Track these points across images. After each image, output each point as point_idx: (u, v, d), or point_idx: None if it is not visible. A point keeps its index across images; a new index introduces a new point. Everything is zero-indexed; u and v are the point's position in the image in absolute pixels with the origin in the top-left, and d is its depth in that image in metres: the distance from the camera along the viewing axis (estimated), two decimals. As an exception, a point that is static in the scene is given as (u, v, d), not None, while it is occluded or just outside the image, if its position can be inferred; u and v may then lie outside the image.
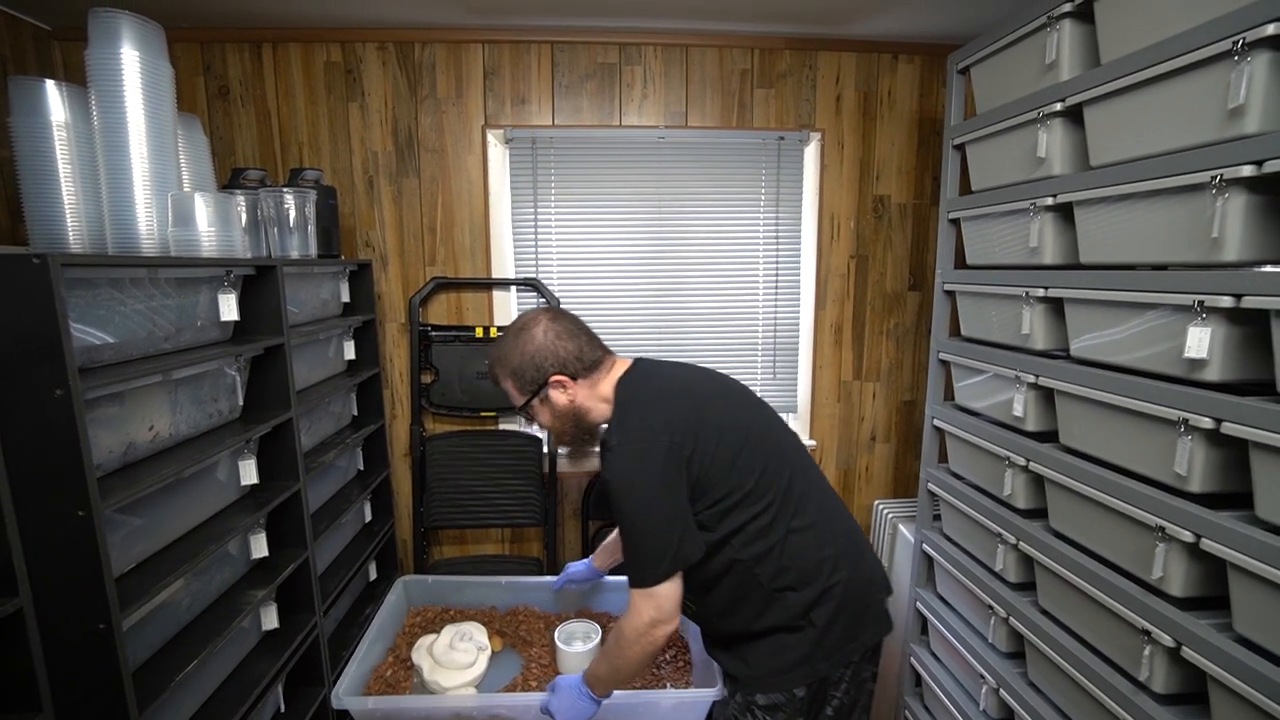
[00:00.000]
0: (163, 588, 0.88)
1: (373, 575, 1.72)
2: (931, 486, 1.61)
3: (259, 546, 1.16)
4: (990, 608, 1.33)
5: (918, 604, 1.65)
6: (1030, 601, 1.23)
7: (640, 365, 1.07)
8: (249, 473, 1.14)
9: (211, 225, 1.06)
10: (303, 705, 1.28)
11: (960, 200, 1.48)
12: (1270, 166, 0.78)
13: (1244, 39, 0.79)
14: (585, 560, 1.46)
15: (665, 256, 1.91)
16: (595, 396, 1.04)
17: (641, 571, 0.93)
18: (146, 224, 1.02)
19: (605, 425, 1.02)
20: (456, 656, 1.26)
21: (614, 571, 1.48)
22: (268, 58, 1.73)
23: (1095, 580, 1.04)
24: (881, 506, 1.97)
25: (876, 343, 1.99)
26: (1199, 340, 0.87)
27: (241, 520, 1.09)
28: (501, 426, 1.93)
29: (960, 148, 1.48)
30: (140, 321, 0.93)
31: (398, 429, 1.91)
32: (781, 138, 1.86)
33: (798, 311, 1.97)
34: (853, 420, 2.02)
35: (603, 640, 1.35)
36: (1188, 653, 0.87)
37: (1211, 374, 0.87)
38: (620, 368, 1.06)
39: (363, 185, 1.80)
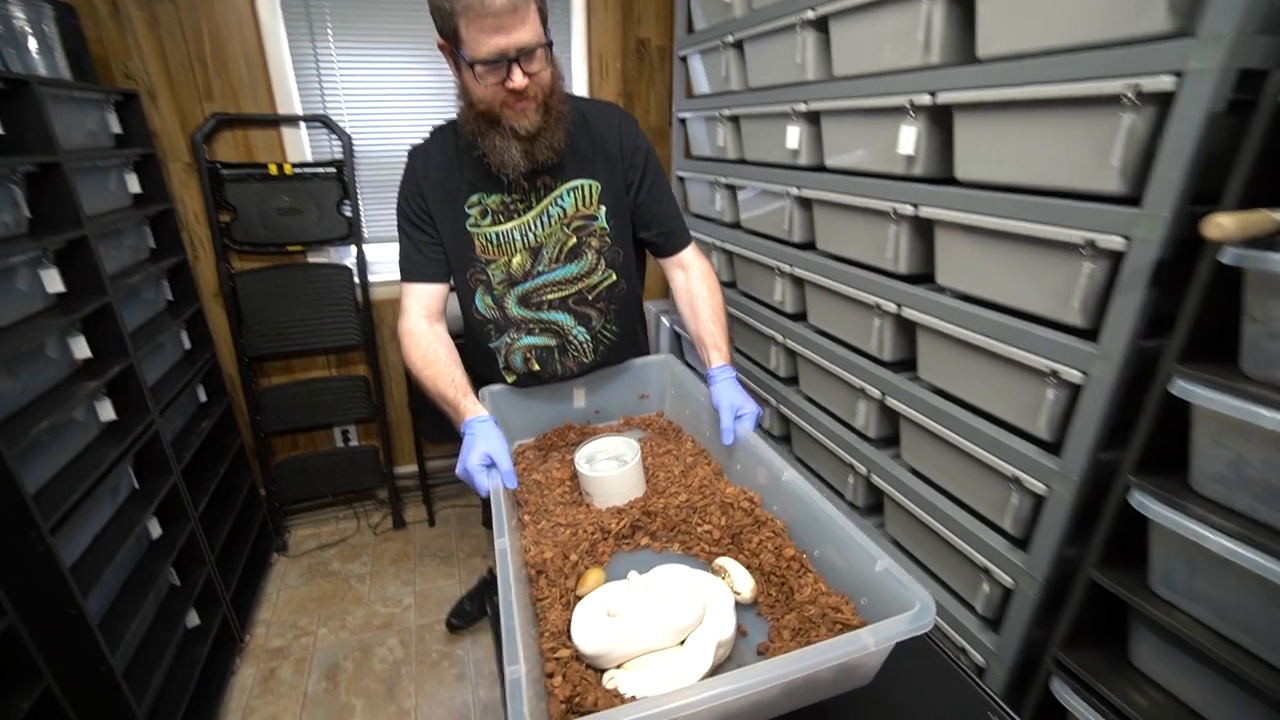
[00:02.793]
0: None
1: (203, 398, 1.89)
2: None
3: (80, 348, 1.31)
4: (766, 400, 1.78)
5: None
6: (796, 390, 1.60)
7: None
8: (53, 281, 1.26)
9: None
10: (152, 488, 1.50)
11: (687, 39, 1.83)
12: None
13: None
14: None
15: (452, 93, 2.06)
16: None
17: (685, 225, 1.19)
18: None
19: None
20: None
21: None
22: None
23: (836, 359, 1.38)
24: (651, 308, 2.47)
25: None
26: (908, 137, 1.09)
27: (55, 322, 1.23)
28: (310, 260, 2.08)
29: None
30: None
31: (203, 270, 1.98)
32: (551, -22, 2.04)
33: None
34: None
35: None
36: (876, 480, 1.31)
37: (917, 169, 1.11)
38: None
39: (105, 9, 1.70)
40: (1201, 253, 0.73)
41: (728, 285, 1.88)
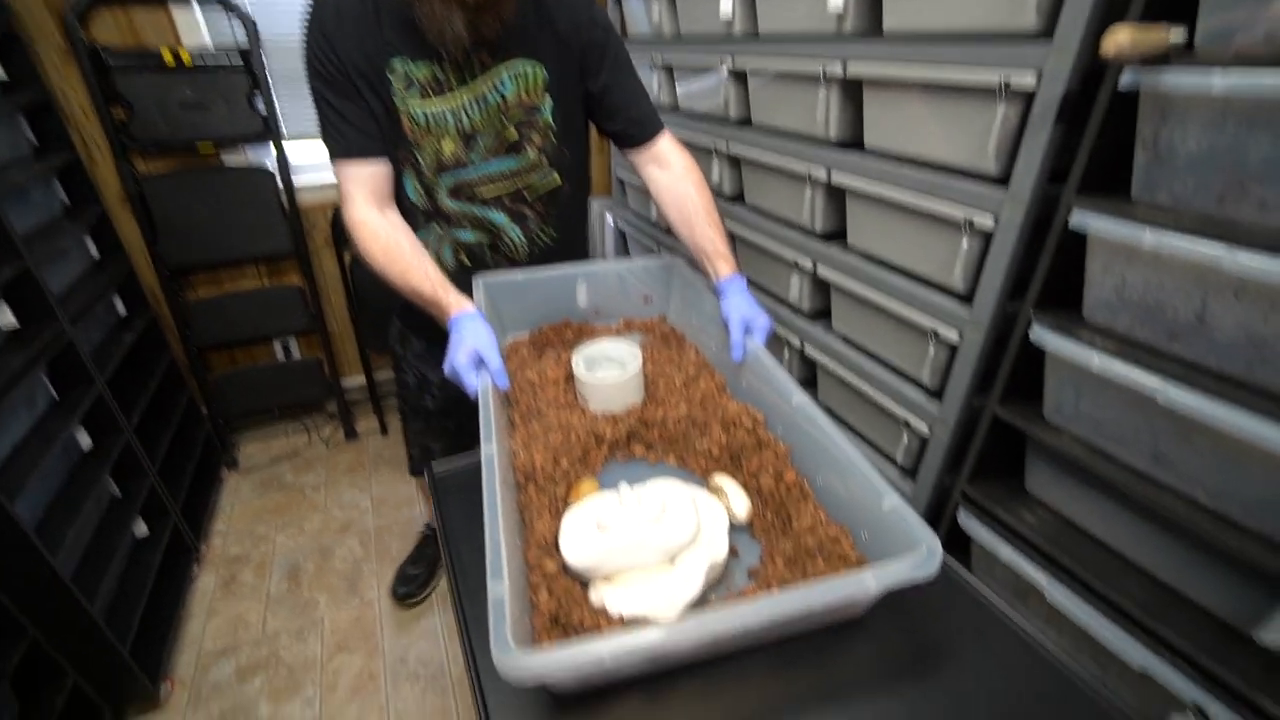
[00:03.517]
0: None
1: (122, 311, 1.79)
2: (620, 173, 2.05)
3: (-36, 247, 1.21)
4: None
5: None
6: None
7: None
8: (-82, 172, 1.14)
9: None
10: (74, 400, 1.44)
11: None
12: None
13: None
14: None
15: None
16: None
17: (655, 110, 1.06)
18: None
19: None
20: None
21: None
22: None
23: (772, 235, 1.39)
24: (594, 205, 2.42)
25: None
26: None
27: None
28: (226, 161, 1.93)
29: None
30: None
31: (102, 173, 1.82)
32: None
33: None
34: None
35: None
36: (810, 351, 1.34)
37: (847, 26, 1.09)
38: None
39: None
40: (1103, 81, 0.74)
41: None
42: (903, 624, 0.67)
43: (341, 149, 0.94)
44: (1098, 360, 0.77)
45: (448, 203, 1.02)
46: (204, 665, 1.52)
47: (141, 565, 1.54)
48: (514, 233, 1.06)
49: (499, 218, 1.04)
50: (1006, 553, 0.96)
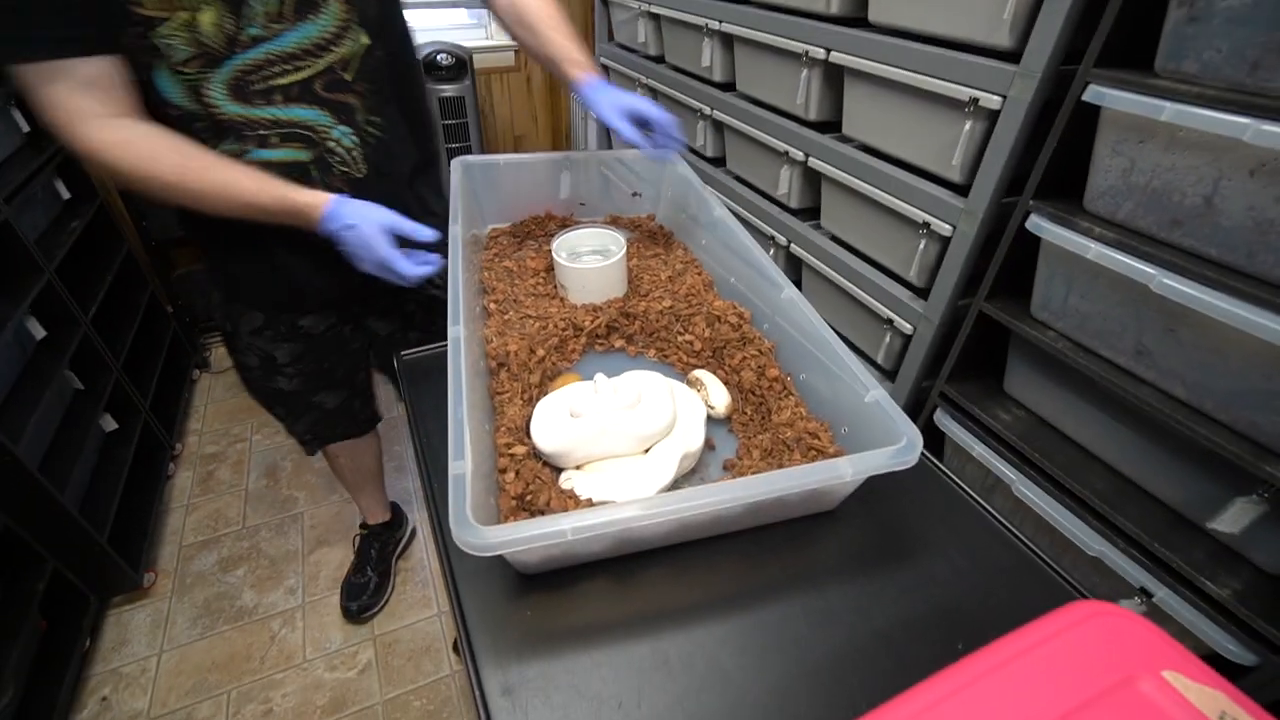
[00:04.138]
0: None
1: (65, 194, 1.67)
2: (604, 60, 1.89)
3: None
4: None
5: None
6: (724, 170, 1.58)
7: None
8: None
9: None
10: (20, 286, 1.36)
11: None
12: None
13: None
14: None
15: None
16: None
17: None
18: None
19: None
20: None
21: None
22: None
23: (763, 124, 1.30)
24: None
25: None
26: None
27: None
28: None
29: None
30: None
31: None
32: None
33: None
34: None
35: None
36: (796, 249, 1.29)
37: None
38: None
39: None
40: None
41: (655, 59, 1.71)
42: (875, 513, 0.67)
43: (40, 44, 0.59)
44: (1094, 249, 0.74)
45: (230, 108, 0.69)
46: (186, 557, 1.55)
47: (114, 460, 1.53)
48: (341, 133, 0.76)
49: (315, 115, 0.74)
50: (980, 450, 0.97)
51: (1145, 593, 0.79)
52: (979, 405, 0.99)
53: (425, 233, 0.74)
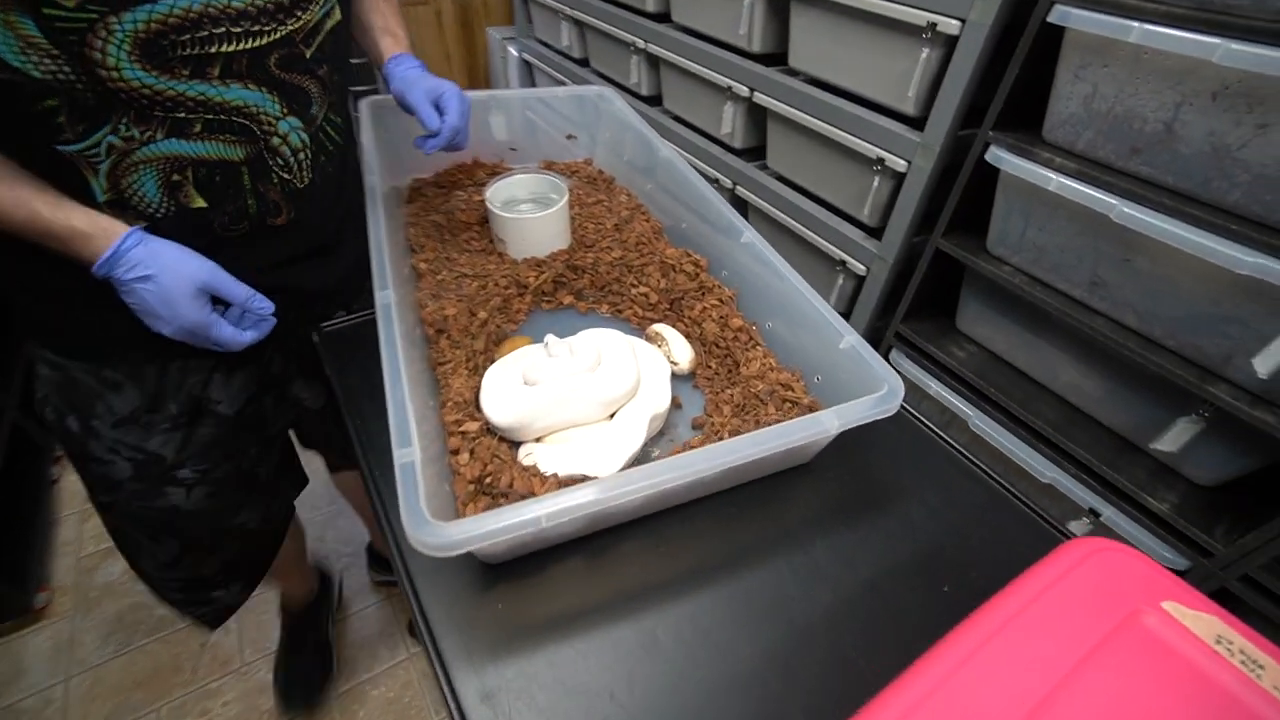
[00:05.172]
0: None
1: None
2: None
3: None
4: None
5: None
6: (660, 110, 1.49)
7: None
8: None
9: None
10: None
11: None
12: None
13: None
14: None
15: None
16: None
17: None
18: None
19: None
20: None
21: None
22: None
23: (703, 58, 1.22)
24: (495, 34, 2.08)
25: None
26: None
27: None
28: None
29: None
30: None
31: None
32: None
33: None
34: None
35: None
36: (742, 191, 1.20)
37: None
38: None
39: None
40: None
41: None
42: (848, 462, 0.65)
43: None
44: (1056, 181, 0.73)
45: (133, 75, 0.47)
46: (87, 569, 1.38)
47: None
48: (288, 127, 0.57)
49: (259, 99, 0.54)
50: (936, 387, 0.98)
51: (1094, 513, 0.83)
52: (934, 343, 0.99)
53: (260, 303, 0.58)
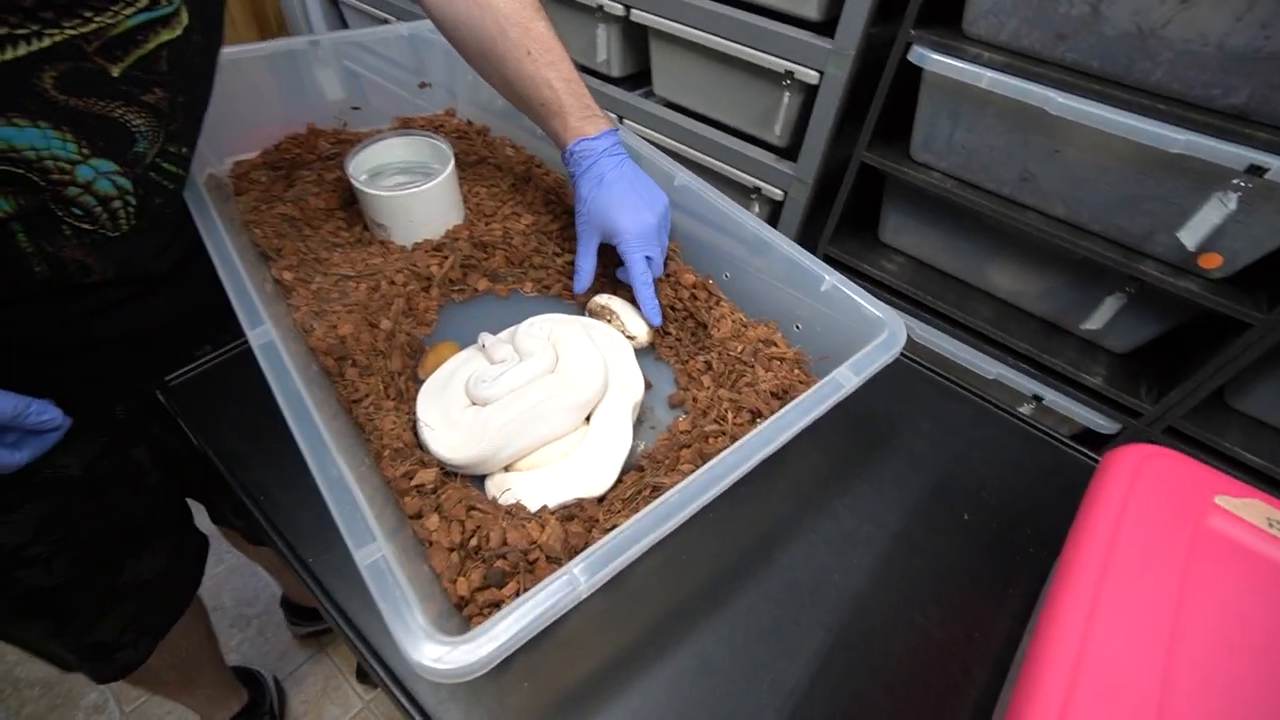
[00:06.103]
0: None
1: None
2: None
3: None
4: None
5: None
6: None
7: None
8: None
9: None
10: None
11: None
12: None
13: None
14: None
15: None
16: None
17: None
18: None
19: None
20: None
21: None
22: None
23: None
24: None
25: None
26: None
27: None
28: None
29: None
30: None
31: None
32: None
33: None
34: None
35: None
36: (628, 124, 1.05)
37: None
38: None
39: None
40: None
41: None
42: (838, 409, 0.62)
43: None
44: (988, 77, 0.70)
45: None
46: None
47: None
48: (92, 174, 0.39)
49: (39, 139, 0.35)
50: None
51: (1037, 398, 0.87)
52: (862, 260, 0.97)
53: (40, 416, 0.43)
